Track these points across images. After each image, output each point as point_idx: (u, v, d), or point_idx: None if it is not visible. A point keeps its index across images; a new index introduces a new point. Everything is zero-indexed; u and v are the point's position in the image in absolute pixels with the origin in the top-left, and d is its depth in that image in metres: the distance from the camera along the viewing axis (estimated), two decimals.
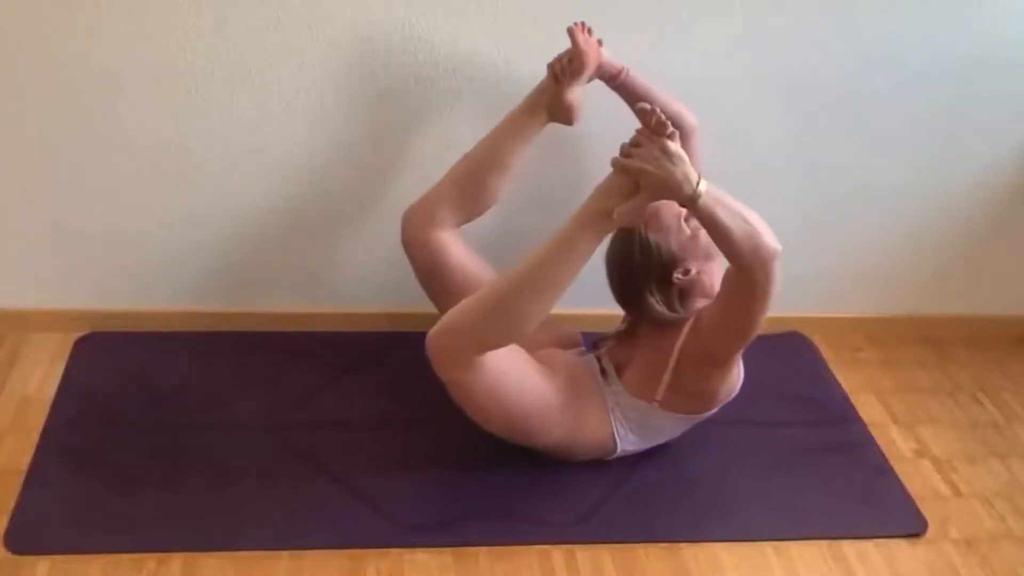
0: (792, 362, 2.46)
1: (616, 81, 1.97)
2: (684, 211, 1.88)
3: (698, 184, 1.58)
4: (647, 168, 1.59)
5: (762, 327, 1.75)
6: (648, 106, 1.63)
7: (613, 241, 1.91)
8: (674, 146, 1.59)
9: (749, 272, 1.64)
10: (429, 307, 2.10)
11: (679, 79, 2.08)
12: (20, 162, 2.07)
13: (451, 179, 2.00)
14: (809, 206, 2.35)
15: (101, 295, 2.28)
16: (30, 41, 1.92)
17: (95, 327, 2.30)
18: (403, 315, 2.35)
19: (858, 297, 2.55)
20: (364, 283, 2.35)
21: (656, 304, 1.89)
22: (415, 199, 2.03)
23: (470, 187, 1.99)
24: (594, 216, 1.66)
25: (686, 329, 1.86)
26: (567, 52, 1.90)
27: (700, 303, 1.90)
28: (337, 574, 1.79)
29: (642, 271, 1.87)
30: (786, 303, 2.46)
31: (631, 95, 1.98)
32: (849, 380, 2.42)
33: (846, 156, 2.29)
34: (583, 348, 2.10)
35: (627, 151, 1.63)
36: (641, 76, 1.97)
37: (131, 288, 2.28)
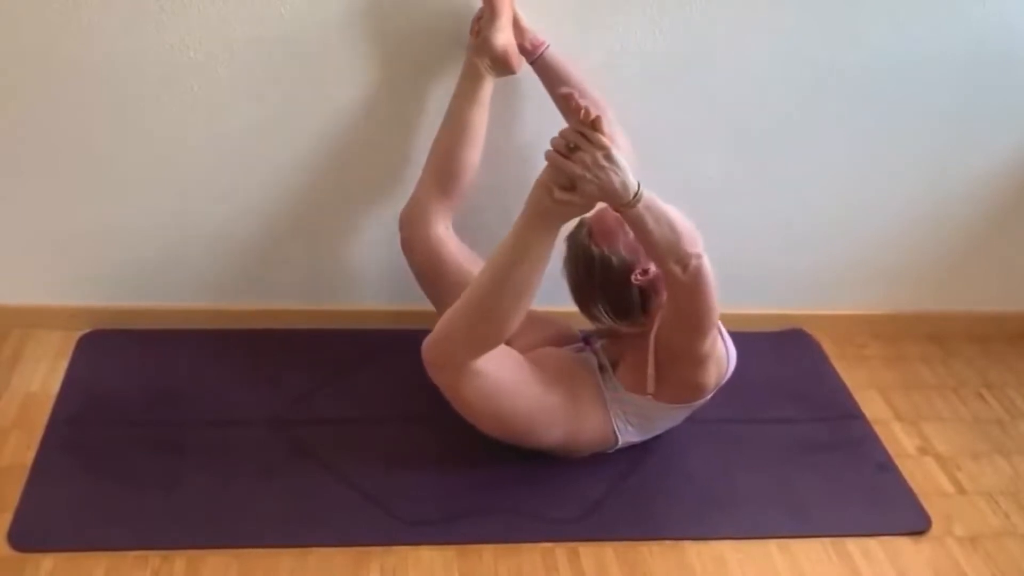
0: (796, 359, 2.46)
1: (536, 55, 1.96)
2: None
3: (636, 194, 1.58)
4: (587, 176, 1.57)
5: (767, 324, 1.75)
6: (569, 90, 1.59)
7: (566, 257, 1.90)
8: (617, 153, 1.57)
9: (669, 271, 1.66)
10: (432, 305, 2.10)
11: (682, 77, 2.08)
12: (23, 160, 2.07)
13: (428, 168, 2.03)
14: (813, 203, 2.35)
15: (104, 293, 2.28)
16: (32, 40, 1.91)
17: (98, 324, 2.30)
18: (406, 312, 2.35)
19: (862, 294, 2.55)
20: (367, 280, 2.35)
21: (603, 316, 1.88)
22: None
23: (446, 166, 2.01)
24: (539, 211, 1.66)
25: (656, 324, 1.86)
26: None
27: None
28: (341, 571, 1.80)
29: (587, 284, 1.87)
30: (790, 300, 2.48)
31: (551, 75, 1.98)
32: (853, 377, 2.41)
33: (851, 153, 2.28)
34: (581, 344, 2.09)
35: (563, 151, 1.59)
36: (560, 55, 1.96)
37: (134, 286, 2.28)
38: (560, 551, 1.87)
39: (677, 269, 1.64)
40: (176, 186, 2.14)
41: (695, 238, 1.64)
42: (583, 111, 1.56)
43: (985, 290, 2.58)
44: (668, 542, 1.91)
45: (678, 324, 1.79)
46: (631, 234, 1.82)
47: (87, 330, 2.29)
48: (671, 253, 1.63)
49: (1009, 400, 2.41)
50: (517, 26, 1.95)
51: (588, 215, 1.82)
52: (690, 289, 1.68)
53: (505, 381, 1.86)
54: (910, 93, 2.21)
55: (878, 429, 2.25)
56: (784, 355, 2.44)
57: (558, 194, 1.61)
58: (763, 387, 2.05)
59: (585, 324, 2.10)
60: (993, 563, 1.95)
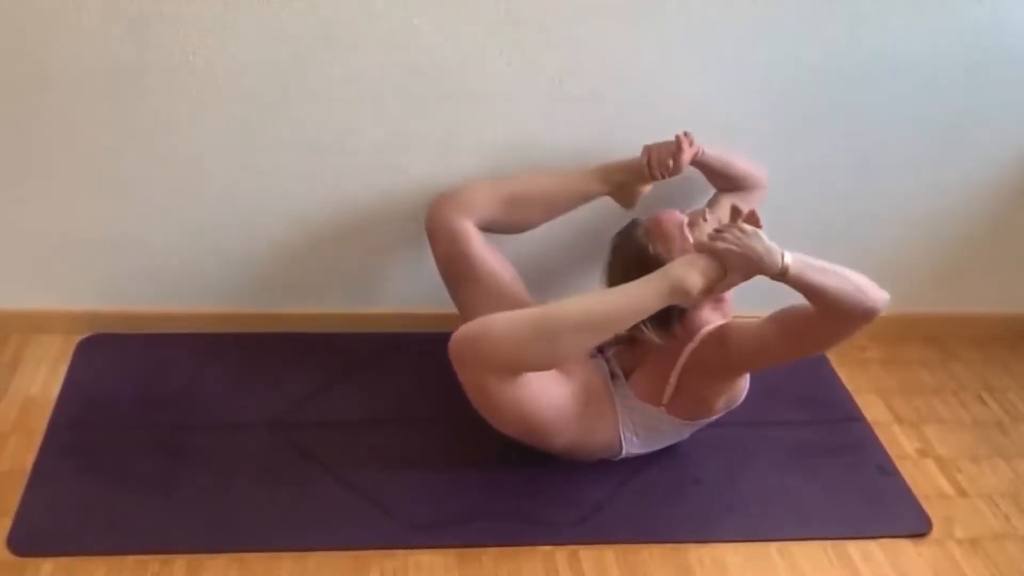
0: (796, 362, 2.43)
1: (695, 160, 2.01)
2: (686, 219, 1.88)
3: (783, 256, 1.66)
4: (731, 248, 1.67)
5: None
6: (753, 208, 1.77)
7: (613, 253, 1.92)
8: (749, 226, 1.68)
9: (845, 322, 1.71)
10: (433, 308, 2.10)
11: (684, 81, 2.09)
12: (25, 163, 2.07)
13: (497, 192, 2.02)
14: (812, 206, 2.35)
15: (104, 296, 2.28)
16: (32, 42, 1.91)
17: (98, 328, 2.30)
18: (406, 315, 2.35)
19: None
20: (368, 284, 2.35)
21: (643, 325, 1.88)
22: (424, 200, 2.02)
23: (512, 212, 2.03)
24: (670, 283, 1.70)
25: (699, 337, 1.86)
26: (667, 152, 1.96)
27: (706, 309, 1.91)
28: (341, 574, 1.79)
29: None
30: (789, 303, 2.48)
31: (711, 169, 2.06)
32: (853, 380, 2.41)
33: (850, 154, 2.28)
34: (592, 350, 2.09)
35: (712, 235, 1.71)
36: (714, 148, 2.03)
37: (134, 290, 2.28)
38: (560, 555, 1.87)
39: (855, 320, 1.70)
40: (175, 190, 2.14)
41: (874, 285, 1.69)
42: (752, 217, 1.74)
43: (985, 293, 2.58)
44: (669, 545, 1.91)
45: (778, 350, 1.82)
46: (688, 242, 1.85)
47: (87, 334, 2.29)
48: (857, 304, 1.67)
49: (1009, 403, 2.41)
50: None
51: (645, 218, 1.89)
52: (842, 336, 1.75)
53: (533, 385, 1.83)
54: (909, 93, 2.20)
55: (878, 432, 2.25)
56: None
57: (717, 287, 1.71)
58: (763, 390, 2.04)
59: None
60: (993, 565, 1.95)
